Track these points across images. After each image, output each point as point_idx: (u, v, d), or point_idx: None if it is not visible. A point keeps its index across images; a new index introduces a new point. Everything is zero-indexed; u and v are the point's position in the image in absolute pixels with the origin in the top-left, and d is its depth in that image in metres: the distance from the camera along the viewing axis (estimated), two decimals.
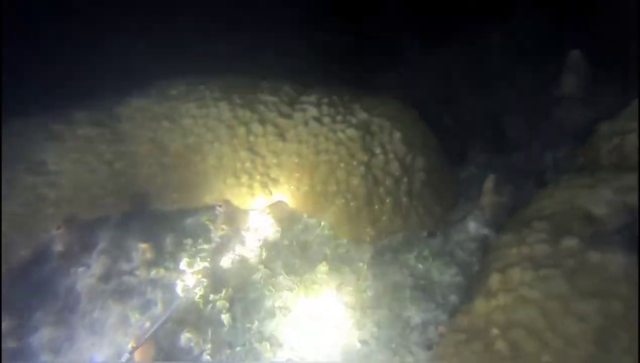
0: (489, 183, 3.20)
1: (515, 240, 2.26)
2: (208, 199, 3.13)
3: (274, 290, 2.71)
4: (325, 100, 3.07)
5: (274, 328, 2.55)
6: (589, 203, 2.21)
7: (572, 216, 2.18)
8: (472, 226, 3.15)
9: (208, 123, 3.08)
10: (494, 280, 2.09)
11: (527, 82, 4.08)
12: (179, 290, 2.74)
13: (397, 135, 2.83)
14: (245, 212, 3.12)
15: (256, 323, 2.56)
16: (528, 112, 3.85)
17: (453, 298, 2.57)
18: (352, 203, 2.86)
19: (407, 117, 3.07)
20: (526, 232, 2.26)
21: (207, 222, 3.04)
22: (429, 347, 2.36)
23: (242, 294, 2.71)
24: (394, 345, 2.39)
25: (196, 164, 3.10)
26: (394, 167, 2.81)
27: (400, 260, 2.85)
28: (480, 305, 2.05)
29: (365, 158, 2.80)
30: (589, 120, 3.16)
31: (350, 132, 2.84)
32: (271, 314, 2.61)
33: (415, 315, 2.49)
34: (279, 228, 3.01)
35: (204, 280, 2.72)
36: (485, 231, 3.10)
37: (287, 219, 3.07)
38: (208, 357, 2.45)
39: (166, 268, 2.85)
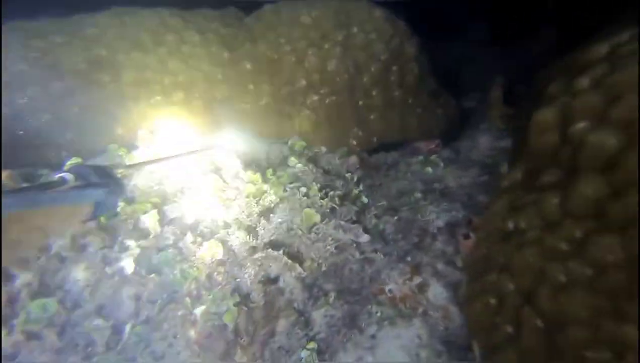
0: (497, 89, 2.65)
1: None
2: (122, 131, 2.13)
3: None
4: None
5: None
6: None
7: None
8: (484, 139, 2.51)
9: (124, 32, 2.25)
10: None
11: None
12: None
13: (377, 12, 2.22)
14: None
15: None
16: None
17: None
18: (329, 99, 2.07)
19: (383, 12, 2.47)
20: None
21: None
22: None
23: None
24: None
25: (104, 84, 2.16)
26: (379, 48, 2.14)
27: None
28: None
29: (339, 37, 2.11)
30: None
31: (318, 12, 2.18)
32: None
33: None
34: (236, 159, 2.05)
35: None
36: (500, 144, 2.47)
37: (243, 154, 2.13)
38: None
39: None
